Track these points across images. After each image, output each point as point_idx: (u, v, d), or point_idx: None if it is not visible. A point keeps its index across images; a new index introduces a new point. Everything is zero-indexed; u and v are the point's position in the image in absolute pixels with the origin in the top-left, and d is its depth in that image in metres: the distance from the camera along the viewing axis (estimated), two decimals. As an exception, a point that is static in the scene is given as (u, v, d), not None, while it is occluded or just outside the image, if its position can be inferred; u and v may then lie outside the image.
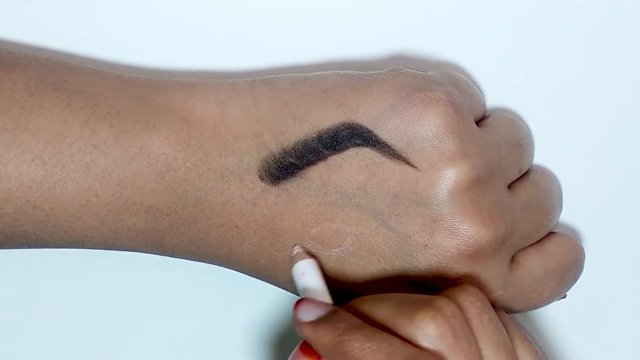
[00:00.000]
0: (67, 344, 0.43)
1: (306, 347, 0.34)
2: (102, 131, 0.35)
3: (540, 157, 0.41)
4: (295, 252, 0.37)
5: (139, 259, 0.41)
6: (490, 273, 0.36)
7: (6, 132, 0.35)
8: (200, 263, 0.39)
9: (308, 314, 0.34)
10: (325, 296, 0.36)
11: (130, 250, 0.38)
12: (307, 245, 0.37)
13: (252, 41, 0.41)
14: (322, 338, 0.33)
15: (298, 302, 0.35)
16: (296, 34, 0.41)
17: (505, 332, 0.34)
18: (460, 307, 0.34)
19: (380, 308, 0.33)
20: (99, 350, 0.43)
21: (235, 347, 0.43)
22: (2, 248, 0.38)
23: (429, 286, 0.36)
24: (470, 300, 0.34)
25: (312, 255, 0.37)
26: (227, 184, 0.36)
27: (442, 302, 0.33)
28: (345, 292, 0.37)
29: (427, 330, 0.32)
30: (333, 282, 0.37)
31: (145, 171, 0.36)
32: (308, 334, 0.34)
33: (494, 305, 0.36)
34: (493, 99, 0.41)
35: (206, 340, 0.43)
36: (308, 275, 0.36)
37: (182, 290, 0.43)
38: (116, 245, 0.37)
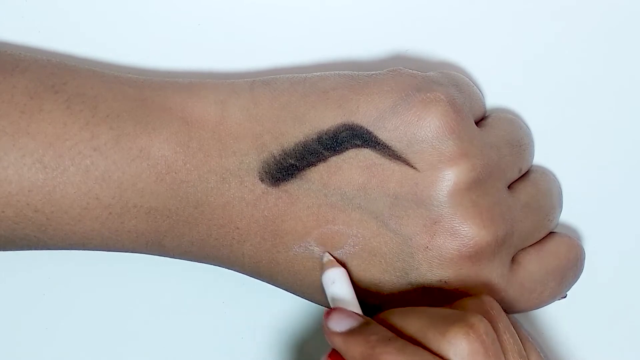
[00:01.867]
0: (67, 344, 0.43)
1: (335, 357, 0.34)
2: (102, 134, 0.35)
3: (540, 157, 0.41)
4: (325, 259, 0.37)
5: (140, 260, 0.41)
6: (491, 274, 0.36)
7: (6, 135, 0.35)
8: (201, 264, 0.39)
9: (339, 324, 0.34)
10: (355, 306, 0.36)
11: (131, 252, 0.38)
12: (309, 247, 0.37)
13: (252, 41, 0.41)
14: (353, 350, 0.33)
15: (329, 312, 0.35)
16: (296, 34, 0.41)
17: (519, 341, 0.34)
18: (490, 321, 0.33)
19: (412, 321, 0.33)
20: (99, 350, 0.43)
21: (235, 348, 0.43)
22: (3, 250, 0.38)
23: (429, 288, 0.36)
24: (494, 313, 0.34)
25: (341, 264, 0.37)
26: (227, 185, 0.36)
27: (475, 318, 0.33)
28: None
29: (459, 346, 0.32)
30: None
31: (145, 173, 0.36)
32: (339, 344, 0.33)
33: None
34: (493, 99, 0.41)
35: (206, 341, 0.43)
36: (338, 284, 0.36)
37: (182, 290, 0.43)
38: (117, 247, 0.37)
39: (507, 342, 0.34)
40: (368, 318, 0.34)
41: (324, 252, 0.37)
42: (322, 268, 0.36)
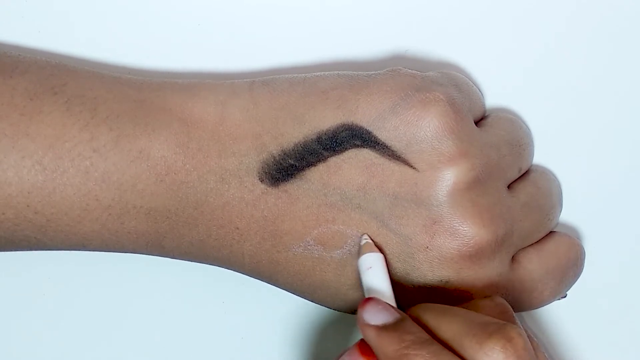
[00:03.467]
0: (67, 344, 0.43)
1: (365, 349, 0.33)
2: (101, 135, 0.35)
3: (540, 157, 0.41)
4: (363, 242, 0.36)
5: (139, 260, 0.41)
6: (491, 273, 0.36)
7: (6, 138, 0.35)
8: (201, 264, 0.39)
9: (374, 317, 0.33)
10: (390, 298, 0.35)
11: (130, 252, 0.38)
12: (308, 247, 0.37)
13: (251, 41, 0.41)
14: (386, 347, 0.32)
15: (365, 302, 0.34)
16: (295, 34, 0.41)
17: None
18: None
19: (447, 323, 0.33)
20: (99, 350, 0.43)
21: (235, 348, 0.43)
22: (3, 250, 0.38)
23: (430, 288, 0.36)
24: (508, 316, 0.34)
25: (380, 249, 0.36)
26: (227, 185, 0.36)
27: (514, 331, 0.32)
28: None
29: (495, 359, 0.31)
30: (336, 285, 0.37)
31: (145, 174, 0.36)
32: (372, 338, 0.33)
33: None
34: (493, 99, 0.41)
35: (206, 341, 0.43)
36: (375, 270, 0.35)
37: (182, 290, 0.43)
38: (117, 247, 0.37)
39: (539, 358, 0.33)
40: (404, 314, 0.34)
41: (362, 235, 0.36)
42: (359, 251, 0.36)
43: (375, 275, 0.35)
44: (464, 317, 0.33)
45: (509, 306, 0.35)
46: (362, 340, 0.34)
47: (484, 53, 0.41)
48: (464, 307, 0.34)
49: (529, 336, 0.34)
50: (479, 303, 0.35)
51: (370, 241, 0.36)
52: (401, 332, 0.32)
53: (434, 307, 0.34)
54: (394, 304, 0.35)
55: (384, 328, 0.33)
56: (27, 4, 0.40)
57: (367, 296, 0.35)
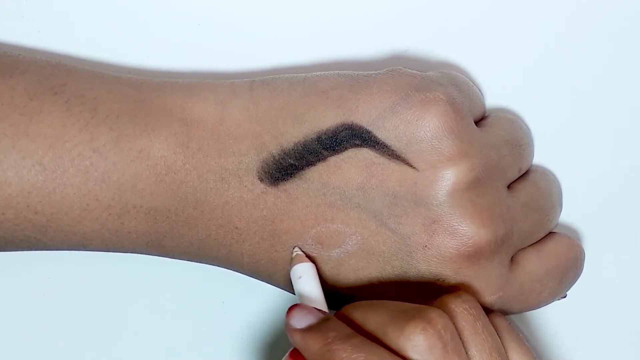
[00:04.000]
0: (67, 344, 0.43)
1: (296, 354, 0.34)
2: (101, 135, 0.35)
3: (540, 157, 0.41)
4: (294, 254, 0.37)
5: (139, 260, 0.41)
6: (490, 273, 0.36)
7: (6, 138, 0.35)
8: (201, 264, 0.39)
9: (299, 321, 0.34)
10: (320, 302, 0.36)
11: (130, 252, 0.38)
12: (307, 246, 0.37)
13: (251, 41, 0.41)
14: (311, 346, 0.33)
15: (291, 308, 0.35)
16: (295, 34, 0.41)
17: (498, 339, 0.34)
18: (453, 316, 0.34)
19: (372, 316, 0.33)
20: (98, 350, 0.43)
21: (235, 348, 0.43)
22: (3, 251, 0.38)
23: (428, 287, 0.36)
24: (463, 307, 0.34)
25: (311, 259, 0.37)
26: (226, 185, 0.36)
27: (433, 313, 0.33)
28: (345, 293, 0.37)
29: (417, 342, 0.32)
30: (333, 283, 0.37)
31: (144, 174, 0.36)
32: (297, 340, 0.34)
33: (491, 308, 0.37)
34: (493, 99, 0.41)
35: (206, 341, 0.43)
36: (305, 279, 0.36)
37: (182, 290, 0.43)
38: (117, 247, 0.37)
39: (484, 340, 0.34)
40: (329, 314, 0.34)
41: (293, 247, 0.37)
42: (291, 262, 0.37)
43: (305, 284, 0.36)
44: (387, 308, 0.33)
45: (474, 300, 0.35)
46: (293, 348, 0.34)
47: (483, 53, 0.41)
48: (430, 304, 0.34)
49: (491, 309, 0.35)
50: (444, 300, 0.35)
51: (301, 252, 0.37)
52: (324, 331, 0.33)
53: (362, 303, 0.34)
54: (325, 308, 0.35)
55: (308, 329, 0.34)
56: (27, 4, 0.40)
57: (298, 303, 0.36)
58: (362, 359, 0.32)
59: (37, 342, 0.43)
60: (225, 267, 0.39)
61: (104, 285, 0.43)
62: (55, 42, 0.41)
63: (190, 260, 0.39)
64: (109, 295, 0.43)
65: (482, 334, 0.34)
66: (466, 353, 0.33)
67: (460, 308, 0.34)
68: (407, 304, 0.34)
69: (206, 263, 0.39)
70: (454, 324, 0.33)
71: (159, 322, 0.43)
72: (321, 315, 0.34)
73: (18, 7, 0.40)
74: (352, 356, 0.32)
